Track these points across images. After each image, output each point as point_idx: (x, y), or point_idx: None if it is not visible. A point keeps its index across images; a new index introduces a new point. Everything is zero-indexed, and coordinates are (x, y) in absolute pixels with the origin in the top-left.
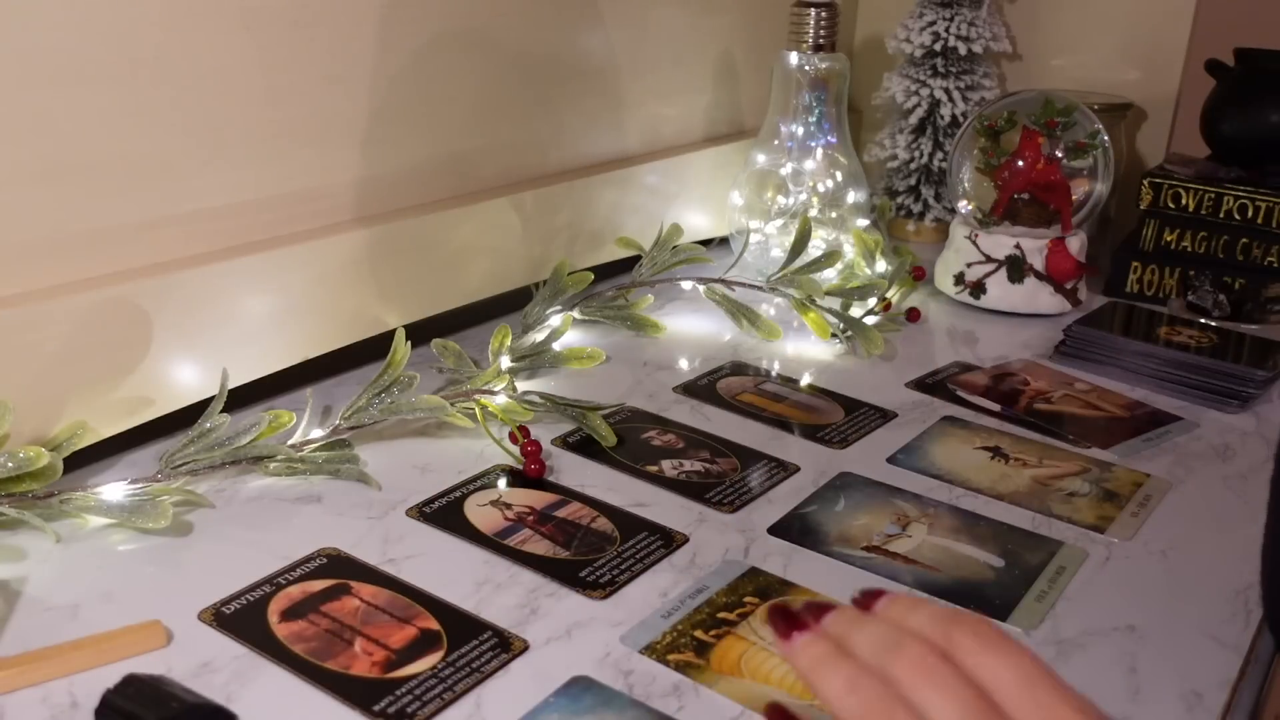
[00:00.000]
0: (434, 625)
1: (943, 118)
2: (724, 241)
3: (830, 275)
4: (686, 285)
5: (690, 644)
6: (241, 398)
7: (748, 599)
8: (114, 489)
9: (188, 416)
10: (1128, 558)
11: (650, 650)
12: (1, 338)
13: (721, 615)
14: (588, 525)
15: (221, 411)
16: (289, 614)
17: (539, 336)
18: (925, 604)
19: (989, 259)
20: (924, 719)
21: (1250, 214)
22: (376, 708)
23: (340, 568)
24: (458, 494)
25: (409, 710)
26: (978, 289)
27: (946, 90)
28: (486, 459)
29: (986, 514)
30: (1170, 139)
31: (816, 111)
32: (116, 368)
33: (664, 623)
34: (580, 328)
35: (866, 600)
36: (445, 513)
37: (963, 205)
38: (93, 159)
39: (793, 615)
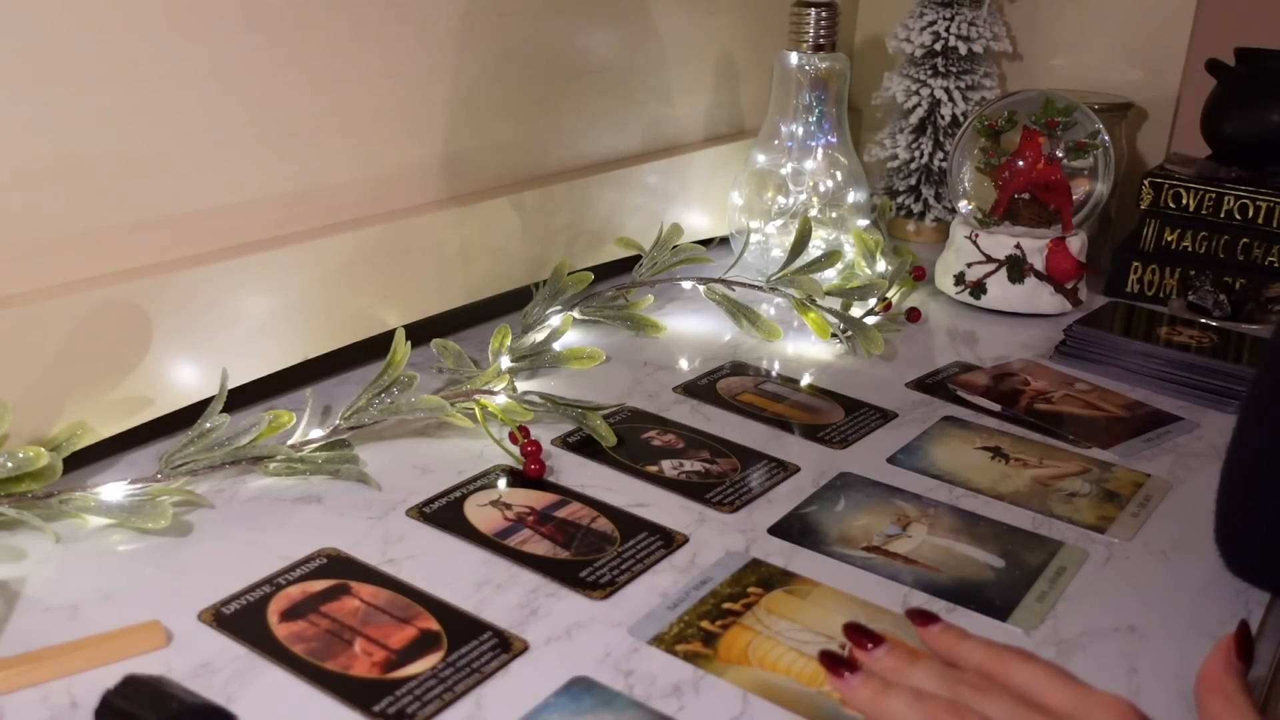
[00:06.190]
0: (434, 625)
1: (943, 117)
2: (724, 241)
3: (830, 275)
4: (686, 285)
5: (698, 634)
6: (241, 398)
7: (751, 589)
8: (114, 489)
9: (188, 416)
10: (1128, 558)
11: (659, 641)
12: (1, 338)
13: (726, 606)
14: (588, 525)
15: (221, 411)
16: (289, 614)
17: (539, 336)
18: (972, 635)
19: (989, 259)
20: (984, 716)
21: (1251, 214)
22: (376, 708)
23: (340, 568)
24: (458, 494)
25: (409, 710)
26: (978, 289)
27: (947, 90)
28: (486, 459)
29: (987, 514)
30: (1171, 139)
31: (816, 111)
32: (116, 368)
33: (670, 614)
34: (580, 328)
35: (923, 620)
36: (445, 513)
37: (963, 205)
38: (93, 159)
39: (841, 656)
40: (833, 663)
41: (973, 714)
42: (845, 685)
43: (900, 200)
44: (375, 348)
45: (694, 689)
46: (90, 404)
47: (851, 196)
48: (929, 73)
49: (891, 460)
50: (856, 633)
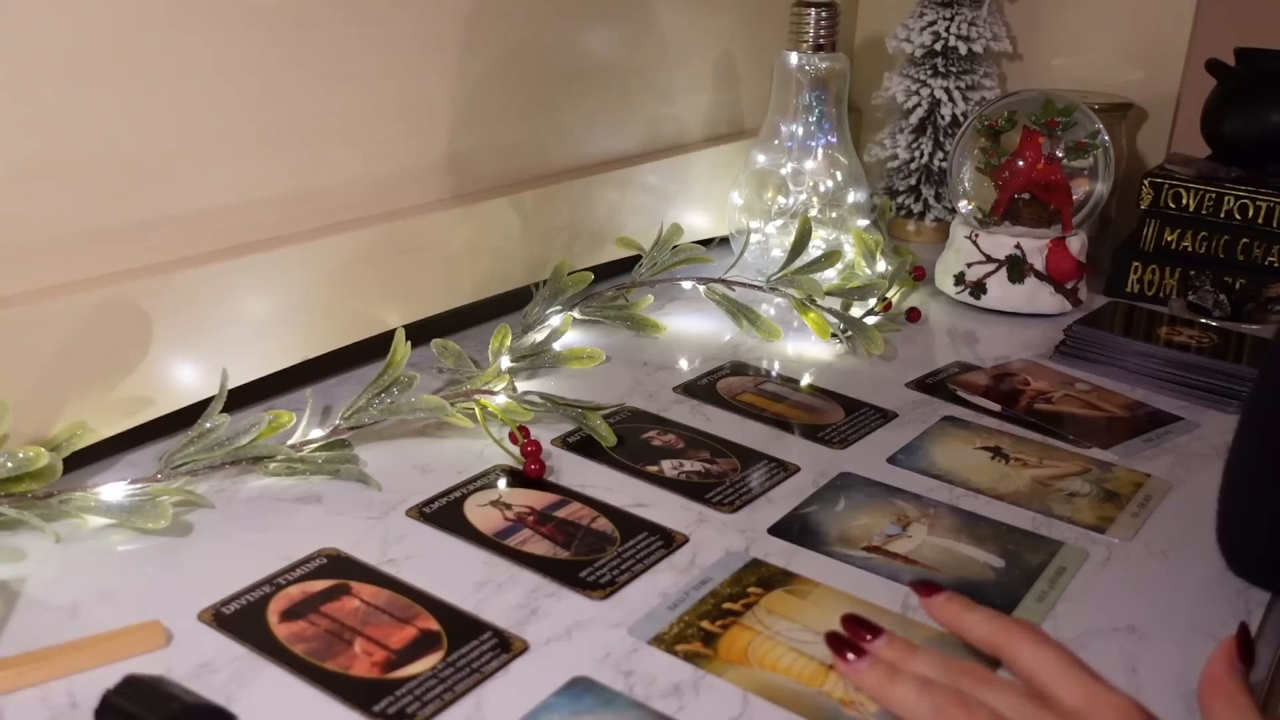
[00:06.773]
0: (434, 625)
1: (943, 117)
2: (724, 241)
3: (830, 275)
4: (686, 285)
5: (698, 634)
6: (241, 398)
7: (751, 589)
8: (114, 489)
9: (188, 416)
10: (1128, 558)
11: (659, 641)
12: (1, 338)
13: (726, 606)
14: (588, 525)
15: (221, 411)
16: (289, 614)
17: (539, 336)
18: (978, 605)
19: (989, 259)
20: (991, 709)
21: (1251, 214)
22: (376, 708)
23: (340, 568)
24: (458, 494)
25: (409, 711)
26: (978, 289)
27: (947, 90)
28: (486, 459)
29: (987, 514)
30: (1171, 139)
31: (816, 111)
32: (116, 368)
33: (671, 614)
34: (580, 328)
35: (926, 590)
36: (445, 513)
37: (963, 205)
38: (93, 159)
39: (848, 639)
40: (839, 645)
41: (980, 706)
42: (852, 669)
43: (900, 200)
44: (375, 348)
45: (694, 689)
46: (90, 404)
47: (851, 196)
48: (929, 73)
49: (891, 460)
50: (855, 624)
